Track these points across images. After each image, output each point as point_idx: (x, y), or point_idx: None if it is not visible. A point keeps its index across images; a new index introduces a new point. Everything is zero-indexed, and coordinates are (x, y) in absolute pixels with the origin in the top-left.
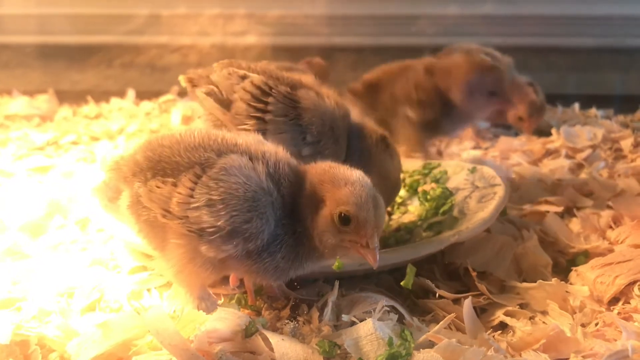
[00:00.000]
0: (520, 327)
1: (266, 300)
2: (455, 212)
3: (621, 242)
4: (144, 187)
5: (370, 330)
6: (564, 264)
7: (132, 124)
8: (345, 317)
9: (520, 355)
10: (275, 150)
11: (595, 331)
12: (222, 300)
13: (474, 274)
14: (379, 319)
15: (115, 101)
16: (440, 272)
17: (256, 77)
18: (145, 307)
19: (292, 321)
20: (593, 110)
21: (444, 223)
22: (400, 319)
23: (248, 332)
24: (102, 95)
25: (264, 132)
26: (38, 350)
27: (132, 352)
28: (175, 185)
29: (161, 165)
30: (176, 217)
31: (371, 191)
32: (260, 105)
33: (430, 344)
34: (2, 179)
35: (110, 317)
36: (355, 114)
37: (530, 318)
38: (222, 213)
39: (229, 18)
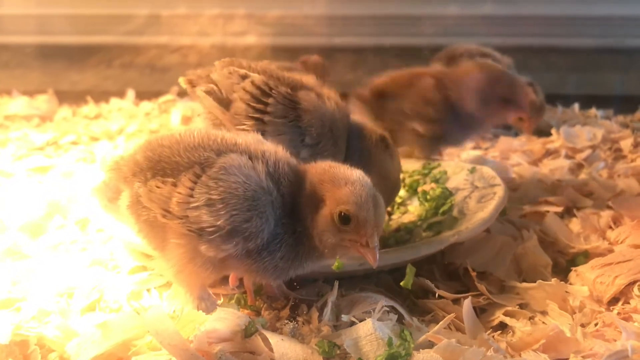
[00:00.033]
0: (520, 327)
1: (266, 300)
2: (454, 212)
3: (621, 242)
4: (144, 187)
5: (369, 331)
6: (564, 264)
7: (132, 124)
8: (344, 317)
9: (520, 355)
10: (274, 149)
11: (595, 331)
12: (222, 300)
13: (473, 274)
14: (379, 319)
15: (114, 101)
16: (440, 272)
17: (257, 77)
18: (145, 308)
19: (291, 321)
20: (593, 111)
21: (443, 223)
22: (400, 319)
23: (247, 332)
24: (101, 96)
25: (262, 133)
26: (37, 350)
27: (132, 352)
28: (175, 185)
29: (161, 165)
30: (176, 216)
31: (371, 190)
32: (259, 106)
33: (430, 344)
34: (2, 179)
35: (110, 318)
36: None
37: (530, 318)
38: (222, 212)
39: (229, 18)
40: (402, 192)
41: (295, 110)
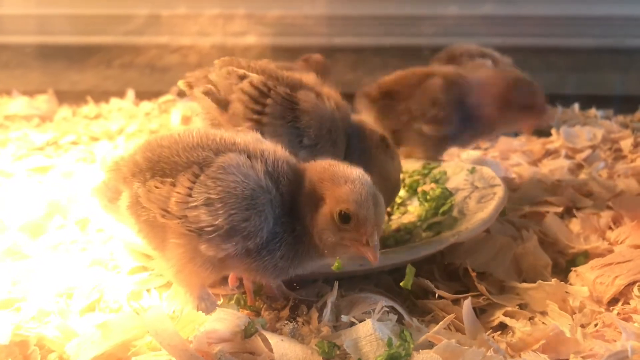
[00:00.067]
0: (520, 327)
1: (265, 300)
2: (454, 213)
3: (621, 243)
4: (143, 188)
5: (369, 331)
6: (564, 264)
7: (132, 124)
8: (344, 318)
9: (520, 355)
10: (273, 148)
11: (595, 332)
12: (222, 300)
13: (473, 274)
14: (379, 320)
15: (114, 101)
16: (439, 273)
17: (255, 78)
18: (145, 308)
19: (291, 322)
20: (593, 111)
21: (443, 223)
22: (400, 320)
23: (247, 332)
24: (101, 96)
25: (261, 134)
26: (37, 350)
27: (132, 352)
28: (173, 185)
29: (160, 166)
30: (175, 216)
31: (371, 189)
32: (257, 107)
33: (430, 345)
34: (2, 179)
35: (110, 318)
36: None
37: (530, 319)
38: (220, 212)
39: (229, 18)
40: (402, 193)
41: (293, 111)
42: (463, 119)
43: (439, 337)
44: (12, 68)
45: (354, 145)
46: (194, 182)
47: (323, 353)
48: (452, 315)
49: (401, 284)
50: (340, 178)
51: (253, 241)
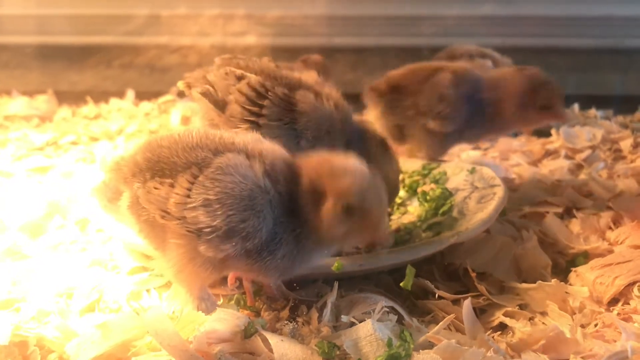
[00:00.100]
0: (520, 328)
1: (265, 301)
2: (454, 213)
3: (621, 243)
4: (143, 188)
5: (369, 331)
6: (564, 264)
7: (132, 125)
8: (344, 318)
9: (520, 356)
10: (272, 148)
11: (595, 332)
12: (221, 301)
13: (473, 274)
14: (379, 320)
15: (114, 102)
16: (439, 273)
17: (253, 79)
18: (145, 308)
19: (291, 322)
20: (592, 111)
21: (443, 224)
22: (400, 320)
23: (247, 332)
24: (101, 96)
25: None
26: (37, 351)
27: (131, 352)
28: (172, 186)
29: (160, 166)
30: (174, 217)
31: (370, 177)
32: (254, 109)
33: (430, 345)
34: (2, 179)
35: (110, 318)
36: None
37: (530, 319)
38: (219, 213)
39: (229, 18)
40: (401, 193)
41: (291, 112)
42: (472, 116)
43: (439, 338)
44: (11, 68)
45: (353, 146)
46: (192, 183)
47: (323, 353)
48: (452, 315)
49: (401, 284)
50: (339, 171)
51: (251, 242)
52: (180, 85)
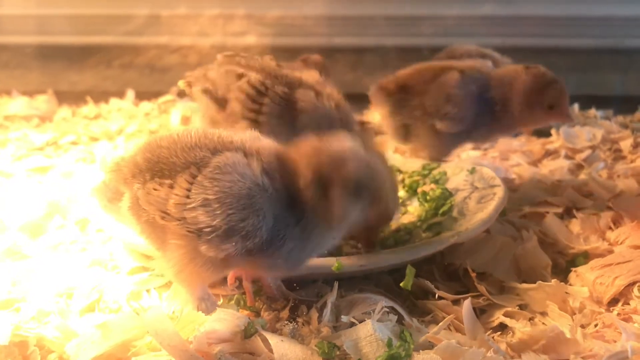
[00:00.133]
0: (520, 328)
1: (265, 301)
2: (454, 213)
3: (621, 243)
4: (142, 190)
5: (369, 332)
6: (564, 264)
7: (132, 125)
8: (344, 318)
9: (520, 356)
10: (269, 144)
11: (595, 332)
12: (221, 301)
13: (473, 274)
14: (379, 320)
15: (114, 102)
16: (439, 273)
17: (253, 77)
18: (145, 308)
19: (291, 322)
20: (592, 111)
21: (443, 224)
22: (400, 320)
23: (247, 333)
24: (101, 96)
25: None
26: (37, 351)
27: (131, 352)
28: (171, 186)
29: (159, 167)
30: (174, 218)
31: (365, 154)
32: (254, 106)
33: (430, 345)
34: (2, 179)
35: (110, 318)
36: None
37: (530, 319)
38: (218, 212)
39: (229, 18)
40: (401, 193)
41: (291, 110)
42: (480, 116)
43: (439, 338)
44: (11, 68)
45: None
46: (191, 183)
47: (323, 353)
48: (452, 315)
49: (401, 284)
50: (337, 156)
51: (252, 241)
52: (181, 84)
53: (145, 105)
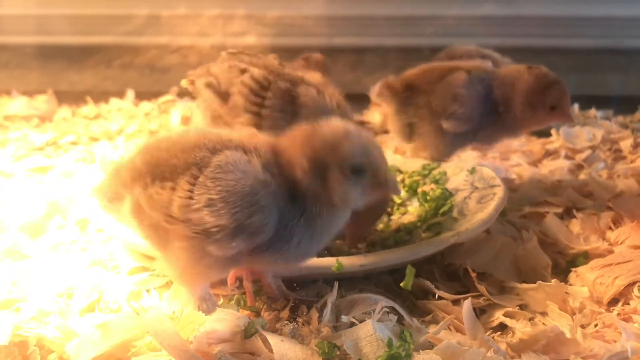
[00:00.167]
0: (520, 328)
1: (265, 301)
2: (454, 213)
3: (621, 243)
4: (144, 195)
5: (369, 332)
6: (564, 265)
7: (132, 125)
8: (344, 318)
9: (520, 356)
10: (265, 140)
11: (595, 332)
12: (222, 301)
13: (473, 274)
14: (379, 320)
15: (114, 102)
16: (439, 273)
17: (256, 72)
18: (145, 308)
19: (291, 322)
20: (592, 111)
21: (443, 224)
22: (400, 320)
23: (247, 333)
24: (101, 96)
25: (259, 127)
26: (37, 351)
27: (131, 352)
28: (174, 189)
29: (159, 169)
30: (179, 221)
31: (357, 131)
32: (257, 100)
33: (430, 345)
34: (2, 179)
35: (110, 318)
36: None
37: (530, 319)
38: (223, 211)
39: (229, 18)
40: (401, 193)
41: (293, 104)
42: (485, 116)
43: (439, 338)
44: (11, 68)
45: None
46: (193, 184)
47: (323, 353)
48: (452, 315)
49: (401, 284)
50: (331, 137)
51: (260, 237)
52: (184, 83)
53: (145, 105)
